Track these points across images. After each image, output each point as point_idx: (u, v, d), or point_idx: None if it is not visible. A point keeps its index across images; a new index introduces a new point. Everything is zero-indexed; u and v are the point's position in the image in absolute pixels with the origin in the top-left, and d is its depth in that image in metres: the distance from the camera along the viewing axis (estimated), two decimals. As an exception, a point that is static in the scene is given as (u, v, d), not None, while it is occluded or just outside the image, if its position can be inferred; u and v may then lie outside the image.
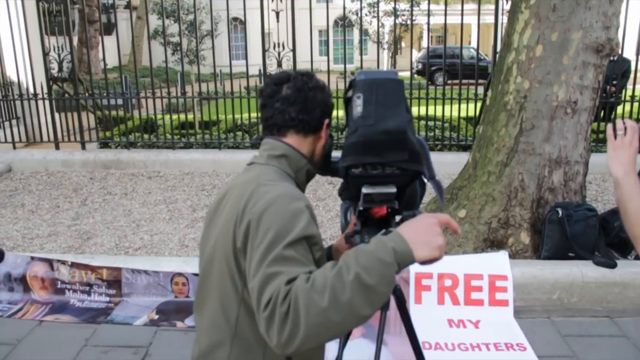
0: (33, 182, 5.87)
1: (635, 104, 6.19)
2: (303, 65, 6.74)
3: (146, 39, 7.42)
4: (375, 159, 1.22)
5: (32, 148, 6.86)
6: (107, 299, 3.45)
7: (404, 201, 1.33)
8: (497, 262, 3.34)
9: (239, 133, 6.91)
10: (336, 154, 1.42)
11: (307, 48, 6.19)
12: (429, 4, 5.74)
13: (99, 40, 9.39)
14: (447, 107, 6.37)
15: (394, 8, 6.58)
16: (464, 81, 6.33)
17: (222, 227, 1.27)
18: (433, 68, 15.22)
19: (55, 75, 6.70)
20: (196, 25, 6.85)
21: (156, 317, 3.28)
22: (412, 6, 6.14)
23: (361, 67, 4.97)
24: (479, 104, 5.66)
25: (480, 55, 7.43)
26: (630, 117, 6.31)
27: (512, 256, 3.56)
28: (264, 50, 6.17)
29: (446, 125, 6.64)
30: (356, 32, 24.51)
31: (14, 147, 6.67)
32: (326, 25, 5.91)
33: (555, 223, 3.51)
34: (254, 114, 6.92)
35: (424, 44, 22.72)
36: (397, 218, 1.33)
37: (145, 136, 6.70)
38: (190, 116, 7.33)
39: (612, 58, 3.69)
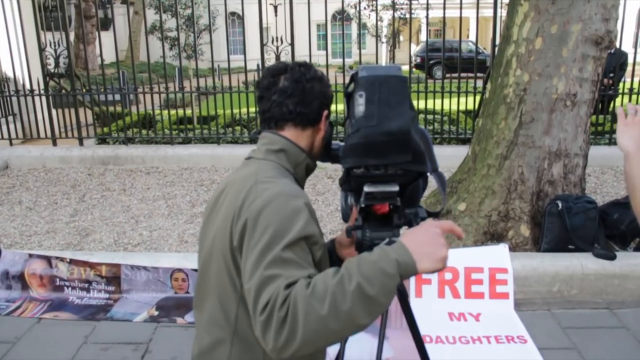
0: (30, 179, 5.85)
1: (634, 96, 6.18)
2: (301, 59, 6.67)
3: (143, 34, 7.37)
4: (377, 161, 1.19)
5: (29, 144, 6.83)
6: (107, 295, 3.44)
7: (406, 197, 1.31)
8: (498, 255, 3.34)
9: (238, 128, 6.89)
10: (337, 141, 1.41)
11: (305, 42, 6.17)
12: (427, -3, 5.72)
13: (96, 36, 9.35)
14: (446, 101, 6.37)
15: (393, 1, 6.55)
16: (462, 74, 6.31)
17: (219, 224, 1.25)
18: (432, 62, 15.18)
19: (52, 71, 6.66)
20: (194, 20, 6.81)
21: (156, 313, 3.27)
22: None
23: (360, 61, 4.93)
24: (478, 97, 5.65)
25: (478, 49, 7.40)
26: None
27: (512, 249, 3.56)
28: (262, 45, 6.14)
29: (445, 118, 6.63)
30: (354, 26, 24.41)
31: (11, 144, 6.63)
32: (324, 19, 5.89)
33: (555, 215, 3.51)
34: (252, 109, 6.90)
35: (423, 37, 22.68)
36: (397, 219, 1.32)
37: (144, 132, 6.68)
38: (188, 111, 7.31)
39: (609, 51, 3.67)
